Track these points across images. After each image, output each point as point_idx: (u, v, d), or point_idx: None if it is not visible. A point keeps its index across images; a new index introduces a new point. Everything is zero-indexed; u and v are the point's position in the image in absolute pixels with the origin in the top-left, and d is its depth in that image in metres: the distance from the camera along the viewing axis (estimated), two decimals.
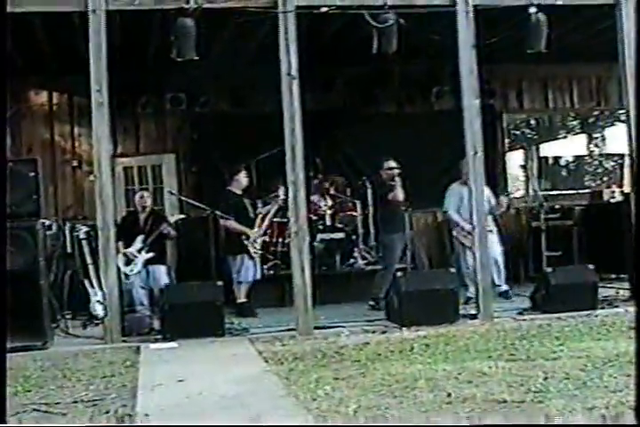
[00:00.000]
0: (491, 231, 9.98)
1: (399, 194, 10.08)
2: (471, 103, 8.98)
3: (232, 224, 10.10)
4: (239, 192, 10.38)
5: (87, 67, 8.33)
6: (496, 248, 10.44)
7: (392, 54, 8.79)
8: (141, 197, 10.59)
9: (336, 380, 5.93)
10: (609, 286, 10.24)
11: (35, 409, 5.47)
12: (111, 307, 8.35)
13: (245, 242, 10.03)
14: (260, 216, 10.45)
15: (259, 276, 10.22)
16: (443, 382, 5.68)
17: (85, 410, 5.42)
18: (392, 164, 10.18)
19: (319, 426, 4.76)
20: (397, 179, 10.07)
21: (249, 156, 10.94)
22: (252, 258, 10.05)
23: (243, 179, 10.38)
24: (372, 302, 9.99)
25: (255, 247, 10.07)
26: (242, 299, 10.03)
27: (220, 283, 8.83)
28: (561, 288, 9.03)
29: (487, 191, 10.18)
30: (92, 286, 9.18)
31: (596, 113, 15.12)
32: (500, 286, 10.47)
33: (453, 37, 8.88)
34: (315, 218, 11.03)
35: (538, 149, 15.22)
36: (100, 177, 8.42)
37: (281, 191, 9.71)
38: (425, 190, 11.71)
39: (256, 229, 10.22)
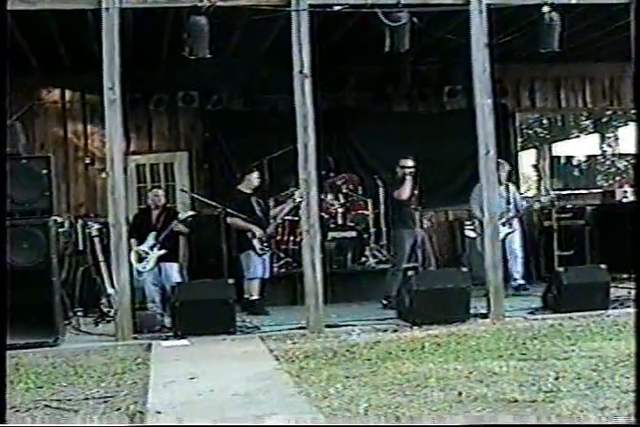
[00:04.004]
0: (513, 231, 10.69)
1: (403, 192, 10.07)
2: (483, 102, 8.96)
3: (238, 222, 10.12)
4: (248, 191, 10.38)
5: (100, 64, 8.34)
6: (518, 245, 10.87)
7: (404, 53, 8.79)
8: (156, 195, 10.57)
9: (347, 378, 5.94)
10: (621, 286, 10.20)
11: (46, 405, 5.49)
12: (123, 304, 8.36)
13: (252, 239, 10.04)
14: (272, 216, 10.49)
15: (268, 274, 10.23)
16: (454, 381, 5.68)
17: (97, 407, 5.44)
18: (407, 162, 10.17)
19: (327, 426, 4.76)
20: (408, 177, 10.06)
21: (261, 154, 10.95)
22: (259, 255, 10.05)
23: (254, 179, 10.38)
24: (384, 301, 9.99)
25: (263, 245, 10.06)
26: (253, 296, 10.04)
27: (231, 281, 8.86)
28: (573, 288, 9.01)
29: (513, 189, 10.95)
30: (104, 282, 9.25)
31: (608, 113, 15.04)
32: (516, 279, 10.79)
33: (466, 36, 8.86)
34: (326, 216, 11.04)
35: (550, 148, 15.14)
36: (113, 174, 8.43)
37: (297, 194, 9.68)
38: (437, 189, 11.73)
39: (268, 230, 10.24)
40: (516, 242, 10.85)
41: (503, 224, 10.36)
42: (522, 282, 10.87)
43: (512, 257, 10.72)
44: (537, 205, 11.35)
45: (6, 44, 7.39)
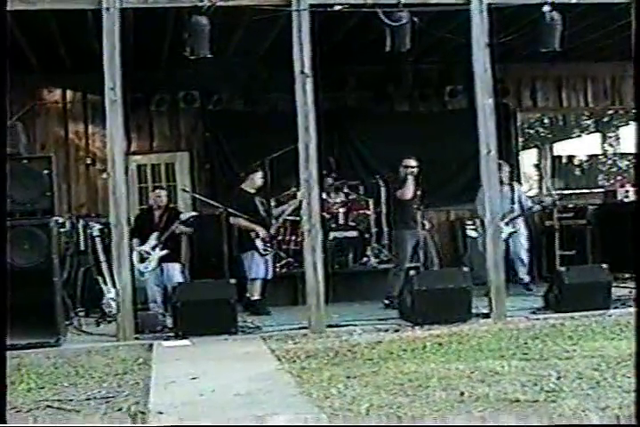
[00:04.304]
0: (516, 232, 10.73)
1: (406, 192, 10.07)
2: (485, 102, 8.96)
3: (241, 222, 10.12)
4: (252, 191, 10.37)
5: (101, 65, 8.34)
6: (522, 246, 10.89)
7: (405, 53, 8.78)
8: (158, 195, 10.54)
9: (348, 378, 5.93)
10: (622, 285, 10.20)
11: (48, 406, 5.49)
12: (124, 304, 8.36)
13: (254, 239, 10.03)
14: (275, 216, 10.48)
15: (270, 274, 10.22)
16: (455, 381, 5.68)
17: (98, 407, 5.44)
18: (410, 162, 10.16)
19: (329, 426, 4.75)
20: (410, 178, 10.06)
21: (262, 154, 10.94)
22: (262, 255, 10.04)
23: (258, 179, 10.37)
24: (386, 301, 9.98)
25: (266, 245, 10.04)
26: (255, 296, 10.03)
27: (232, 281, 8.85)
28: (574, 287, 9.00)
29: (518, 189, 11.08)
30: (105, 283, 9.25)
31: (610, 112, 15.06)
32: (522, 278, 10.88)
33: (467, 36, 8.85)
34: (328, 216, 11.03)
35: (551, 147, 15.15)
36: (114, 175, 8.43)
37: (298, 195, 9.66)
38: (438, 189, 11.72)
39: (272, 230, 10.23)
40: (520, 245, 10.84)
41: (507, 224, 10.38)
42: (527, 280, 10.92)
43: (516, 259, 10.77)
44: (537, 208, 11.25)
45: (6, 44, 7.39)
